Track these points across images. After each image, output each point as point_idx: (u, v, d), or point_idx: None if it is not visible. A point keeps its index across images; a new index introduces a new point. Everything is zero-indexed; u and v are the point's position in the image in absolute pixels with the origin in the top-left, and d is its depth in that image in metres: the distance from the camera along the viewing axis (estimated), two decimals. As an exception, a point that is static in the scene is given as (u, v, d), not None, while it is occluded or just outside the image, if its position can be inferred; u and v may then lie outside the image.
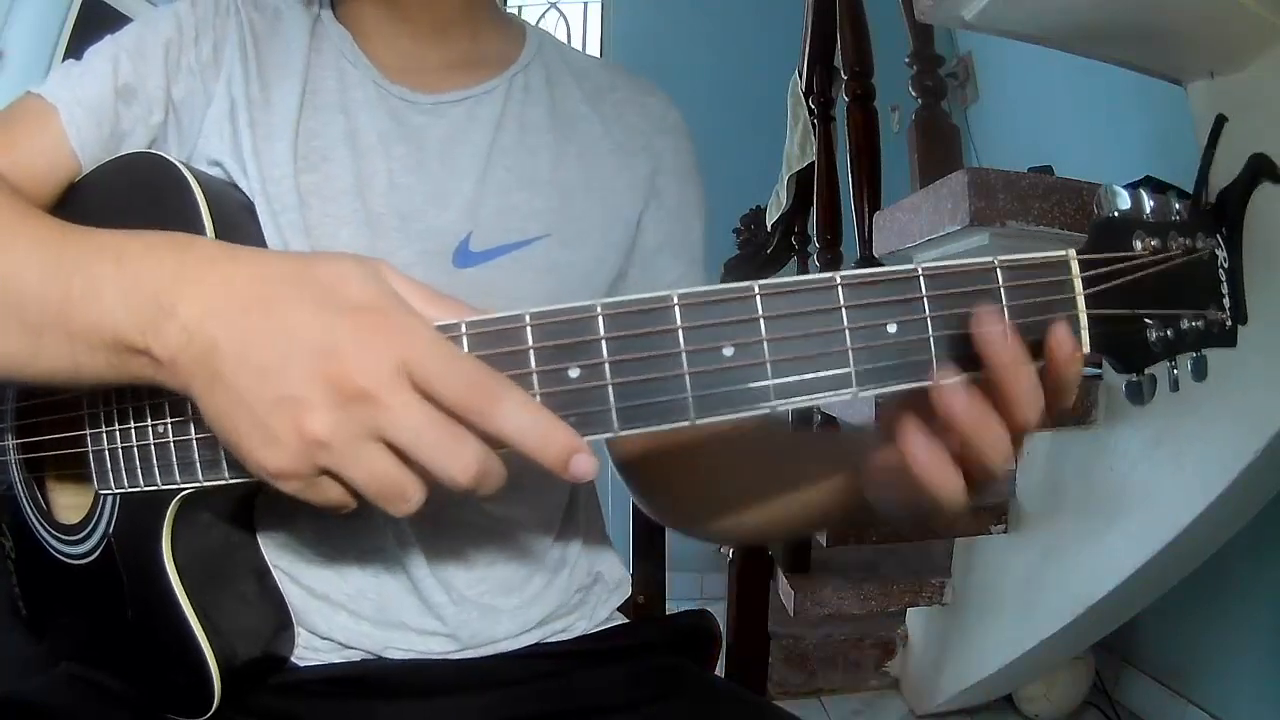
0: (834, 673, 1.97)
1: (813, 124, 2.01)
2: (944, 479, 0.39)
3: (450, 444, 0.35)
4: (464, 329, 0.38)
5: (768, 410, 0.38)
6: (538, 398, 0.37)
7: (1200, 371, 0.41)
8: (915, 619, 1.96)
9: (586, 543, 0.69)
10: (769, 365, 0.37)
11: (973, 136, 2.70)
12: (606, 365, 0.37)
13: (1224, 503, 1.19)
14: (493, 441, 0.36)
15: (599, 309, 0.37)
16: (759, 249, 2.30)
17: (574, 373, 0.37)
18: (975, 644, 1.72)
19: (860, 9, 1.75)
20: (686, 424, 0.38)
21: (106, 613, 0.54)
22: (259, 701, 0.57)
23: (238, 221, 0.55)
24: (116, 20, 0.61)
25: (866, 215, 1.63)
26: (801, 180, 2.11)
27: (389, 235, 0.58)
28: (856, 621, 1.99)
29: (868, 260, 1.64)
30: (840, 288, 0.37)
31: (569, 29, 3.23)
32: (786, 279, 0.38)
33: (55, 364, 0.41)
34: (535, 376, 0.37)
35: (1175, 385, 0.41)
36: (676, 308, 0.37)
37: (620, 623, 0.70)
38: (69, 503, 0.57)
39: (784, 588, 1.81)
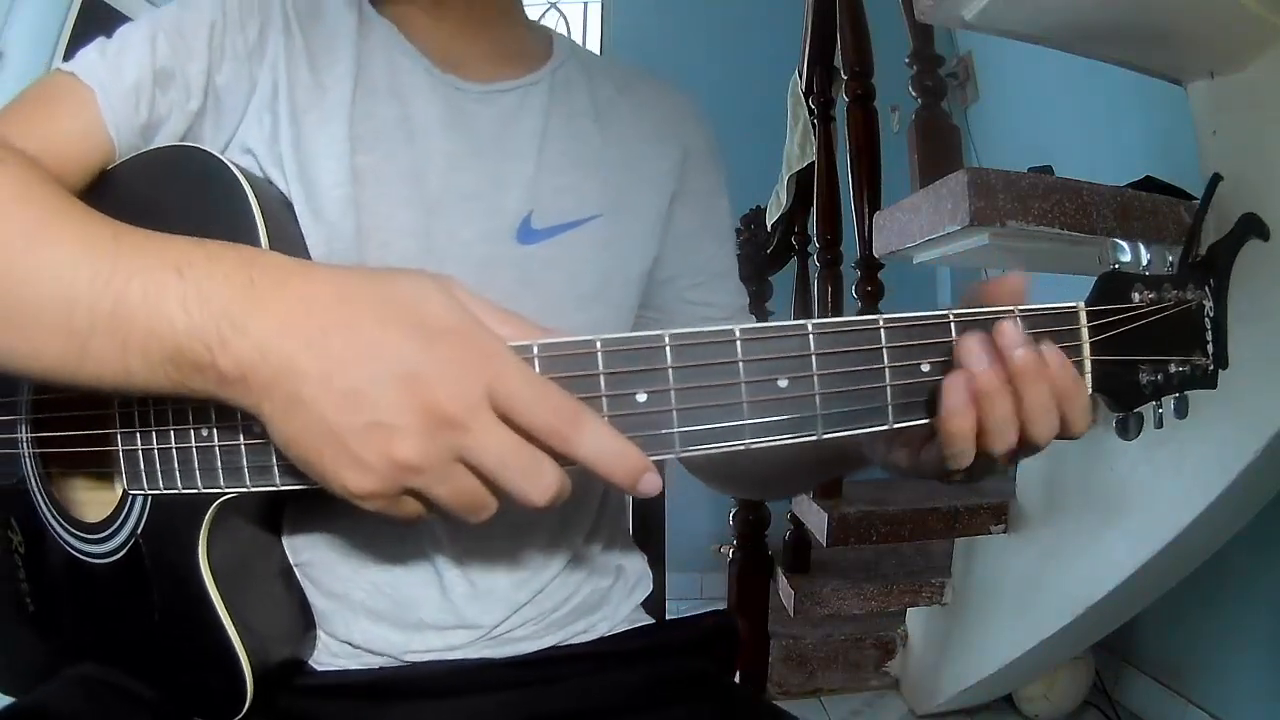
0: (834, 673, 1.97)
1: (813, 124, 2.01)
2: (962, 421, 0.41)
3: (531, 468, 0.37)
4: (536, 351, 0.40)
5: (814, 439, 0.41)
6: (606, 419, 0.39)
7: (1182, 411, 0.46)
8: (915, 619, 1.96)
9: (610, 538, 0.69)
10: (818, 398, 0.41)
11: (973, 136, 2.70)
12: (673, 392, 0.40)
13: (1224, 503, 1.19)
14: (568, 462, 0.38)
15: (667, 339, 0.40)
16: (759, 249, 2.30)
17: (641, 397, 0.40)
18: (975, 644, 1.72)
19: (860, 9, 1.75)
20: (741, 448, 0.41)
21: (130, 613, 0.54)
22: (281, 704, 0.57)
23: (283, 220, 0.55)
24: (116, 20, 0.60)
25: (866, 215, 1.63)
26: (801, 180, 2.10)
27: (449, 215, 0.59)
28: (856, 621, 1.99)
29: (867, 260, 1.64)
30: (883, 329, 0.41)
31: (569, 29, 3.23)
32: (838, 319, 0.42)
33: (103, 370, 0.40)
34: (605, 400, 0.40)
35: (1159, 423, 0.47)
36: (739, 342, 0.40)
37: (642, 624, 0.69)
38: (86, 499, 0.57)
39: (784, 588, 1.81)
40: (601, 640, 0.66)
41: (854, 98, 1.71)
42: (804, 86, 2.09)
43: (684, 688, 0.64)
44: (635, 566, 0.71)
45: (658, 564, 0.88)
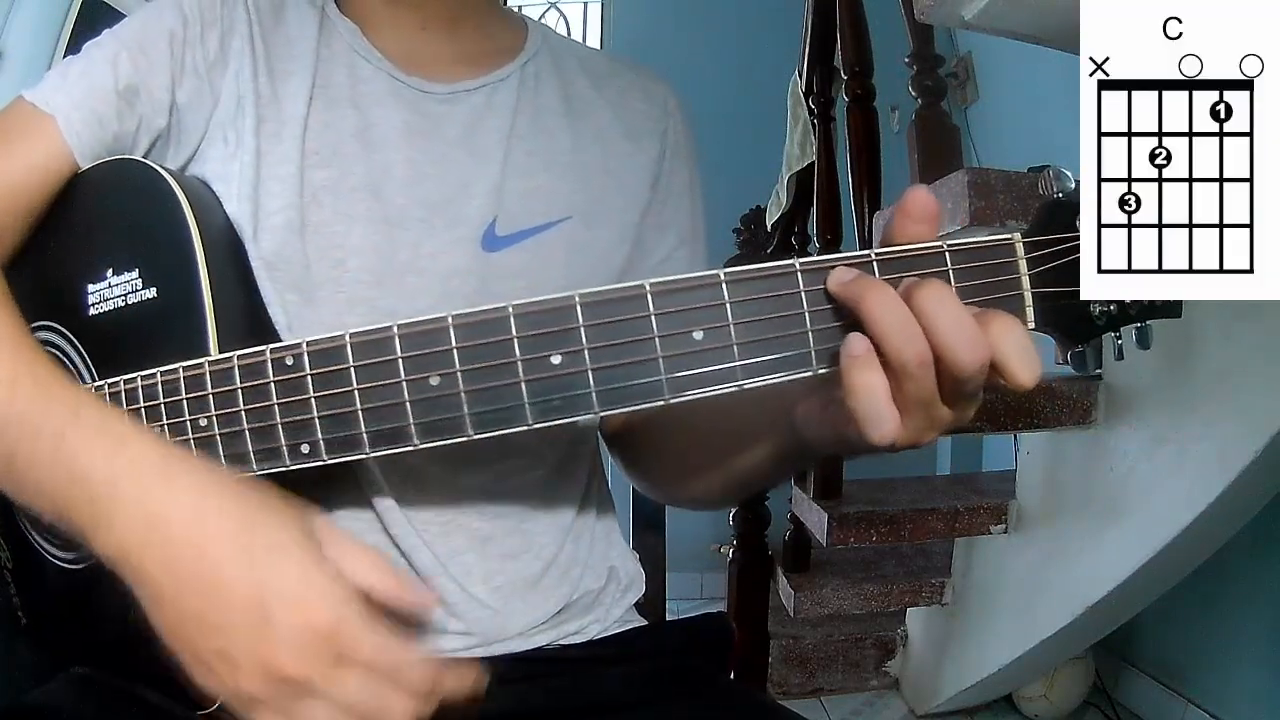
0: (834, 673, 1.97)
1: (813, 124, 2.01)
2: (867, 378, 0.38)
3: (378, 708, 0.39)
4: (450, 320, 0.41)
5: (736, 389, 0.40)
6: (523, 385, 0.40)
7: (1144, 340, 0.42)
8: (915, 619, 1.96)
9: (599, 535, 0.68)
10: (735, 348, 0.40)
11: (973, 136, 2.70)
12: (586, 352, 0.40)
13: (1224, 502, 1.19)
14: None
15: (577, 299, 0.40)
16: (759, 249, 2.30)
17: (556, 359, 0.40)
18: (975, 644, 1.72)
19: (860, 9, 1.75)
20: (661, 404, 0.40)
21: (109, 613, 0.54)
22: None
23: (219, 230, 0.55)
24: (116, 20, 0.59)
25: (866, 215, 1.63)
26: (801, 180, 2.10)
27: (412, 227, 0.58)
28: (856, 621, 1.99)
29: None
30: (800, 273, 0.40)
31: (569, 28, 3.23)
32: (750, 266, 0.40)
33: (7, 493, 0.44)
34: (520, 364, 0.40)
35: (1120, 354, 0.43)
36: (649, 295, 0.40)
37: (635, 625, 0.69)
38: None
39: (784, 588, 1.81)
40: (595, 643, 0.65)
41: (854, 98, 1.72)
42: (804, 86, 2.09)
43: (679, 684, 0.63)
44: (628, 567, 0.70)
45: (658, 564, 0.88)
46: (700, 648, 0.69)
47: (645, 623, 0.70)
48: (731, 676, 0.73)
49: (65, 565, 0.56)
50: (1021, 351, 0.38)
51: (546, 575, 0.63)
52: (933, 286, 0.38)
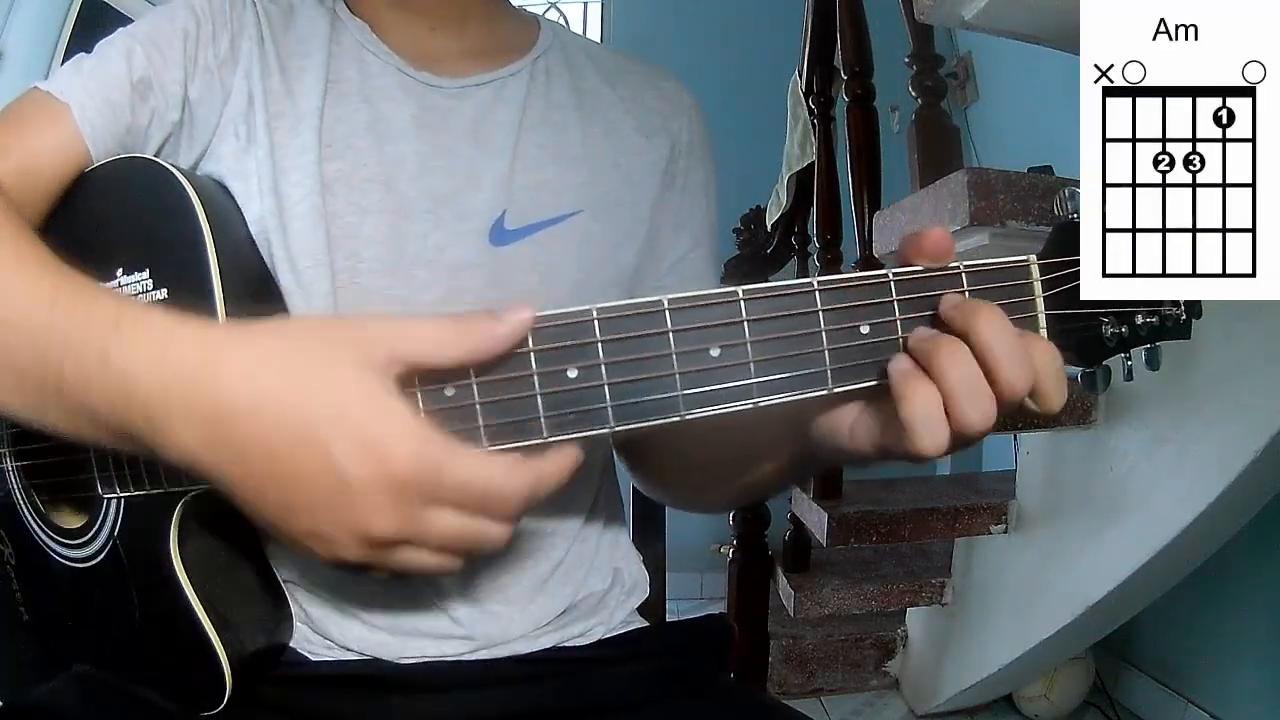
0: (834, 673, 1.97)
1: (813, 124, 2.01)
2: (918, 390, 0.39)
3: (475, 538, 0.40)
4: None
5: (750, 406, 0.40)
6: (538, 398, 0.40)
7: (1154, 362, 0.43)
8: (915, 619, 1.97)
9: (606, 537, 0.68)
10: (752, 365, 0.40)
11: (973, 136, 2.70)
12: (603, 366, 0.40)
13: (1224, 503, 1.19)
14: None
15: (594, 313, 0.40)
16: (759, 249, 2.30)
17: (572, 373, 0.40)
18: (975, 644, 1.72)
19: (860, 9, 1.75)
20: (676, 419, 0.40)
21: (114, 613, 0.54)
22: (272, 694, 0.57)
23: (230, 226, 0.55)
24: (116, 20, 0.60)
25: (866, 215, 1.63)
26: (801, 180, 2.10)
27: (420, 219, 0.58)
28: (856, 621, 2.00)
29: (867, 260, 1.64)
30: (818, 292, 0.40)
31: (568, 27, 3.23)
32: (768, 284, 0.40)
33: (61, 428, 0.42)
34: (536, 378, 0.40)
35: (1129, 375, 0.44)
36: (667, 311, 0.40)
37: (638, 626, 0.69)
38: (69, 506, 0.57)
39: (784, 588, 1.81)
40: (599, 644, 0.65)
41: (854, 98, 1.71)
42: (804, 86, 2.09)
43: (680, 684, 0.64)
44: (633, 569, 0.70)
45: (658, 564, 0.88)
46: (701, 648, 0.69)
47: (647, 624, 0.71)
48: (732, 677, 0.73)
49: (69, 563, 0.56)
50: (1059, 379, 0.39)
51: (553, 577, 0.63)
52: (991, 316, 0.39)
